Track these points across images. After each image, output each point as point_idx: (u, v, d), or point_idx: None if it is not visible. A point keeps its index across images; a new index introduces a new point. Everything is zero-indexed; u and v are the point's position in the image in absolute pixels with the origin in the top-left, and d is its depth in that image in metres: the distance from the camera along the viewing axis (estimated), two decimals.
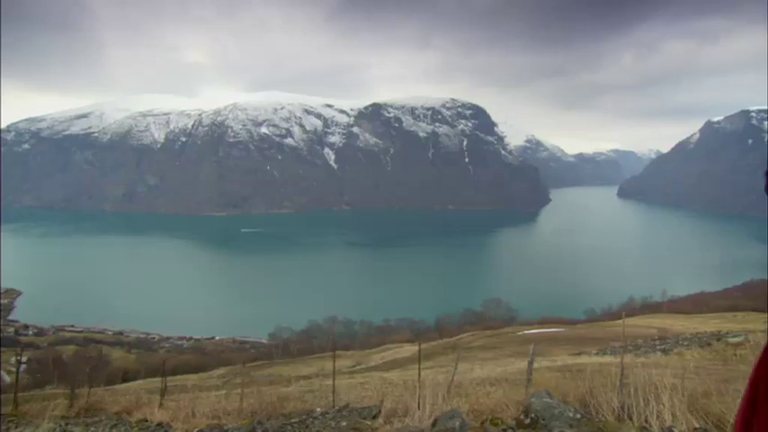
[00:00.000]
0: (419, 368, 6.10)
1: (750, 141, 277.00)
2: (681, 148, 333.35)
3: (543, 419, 2.36)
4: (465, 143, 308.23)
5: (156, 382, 20.96)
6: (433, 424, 2.69)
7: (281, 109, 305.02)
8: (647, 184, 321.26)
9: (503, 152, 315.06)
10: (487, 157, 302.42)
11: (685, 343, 11.98)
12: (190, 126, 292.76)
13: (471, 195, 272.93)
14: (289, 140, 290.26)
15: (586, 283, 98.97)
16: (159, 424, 4.07)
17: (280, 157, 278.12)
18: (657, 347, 10.98)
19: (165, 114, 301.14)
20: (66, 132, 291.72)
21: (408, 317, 69.03)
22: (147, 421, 4.20)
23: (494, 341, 24.58)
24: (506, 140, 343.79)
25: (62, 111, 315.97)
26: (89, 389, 6.23)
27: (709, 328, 18.55)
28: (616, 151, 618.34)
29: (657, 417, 2.71)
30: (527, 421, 2.45)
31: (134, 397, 6.42)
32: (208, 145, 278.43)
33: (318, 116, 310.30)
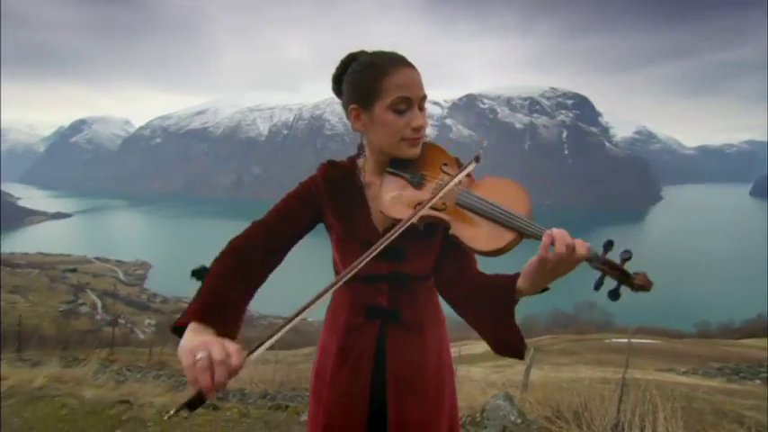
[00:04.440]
0: None
1: None
2: None
3: (488, 419, 2.42)
4: (565, 135, 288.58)
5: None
6: None
7: None
8: None
9: (607, 144, 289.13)
10: (590, 149, 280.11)
11: None
12: (291, 120, 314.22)
13: (570, 190, 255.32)
14: None
15: (703, 292, 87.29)
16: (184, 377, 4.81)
17: None
18: (762, 374, 9.50)
19: (269, 109, 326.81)
20: (187, 128, 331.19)
21: None
22: (183, 376, 5.00)
23: (575, 346, 23.12)
24: (612, 132, 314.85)
25: (185, 108, 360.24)
26: (162, 348, 7.60)
27: None
28: (751, 142, 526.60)
29: None
30: (478, 419, 2.53)
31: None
32: (307, 137, 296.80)
33: None
